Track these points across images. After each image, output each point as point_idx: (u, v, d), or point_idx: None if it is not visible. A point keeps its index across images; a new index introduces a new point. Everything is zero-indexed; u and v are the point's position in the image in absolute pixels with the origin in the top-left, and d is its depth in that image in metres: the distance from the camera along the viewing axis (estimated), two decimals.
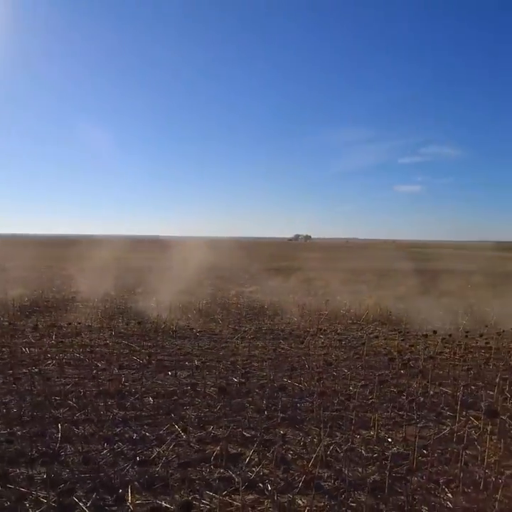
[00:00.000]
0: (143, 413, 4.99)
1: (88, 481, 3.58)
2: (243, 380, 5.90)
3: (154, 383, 5.93)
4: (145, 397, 5.43)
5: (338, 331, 9.36)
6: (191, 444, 4.29)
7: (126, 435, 4.45)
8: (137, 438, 4.39)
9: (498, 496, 3.45)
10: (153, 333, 8.76)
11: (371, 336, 8.92)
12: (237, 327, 9.77)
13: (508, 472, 3.84)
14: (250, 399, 5.42)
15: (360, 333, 9.25)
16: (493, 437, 4.26)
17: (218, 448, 4.15)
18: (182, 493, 3.48)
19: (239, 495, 3.39)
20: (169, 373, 6.39)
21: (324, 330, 9.49)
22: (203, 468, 3.87)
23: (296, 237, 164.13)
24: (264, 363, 6.90)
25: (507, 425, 4.71)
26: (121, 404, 5.19)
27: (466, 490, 3.61)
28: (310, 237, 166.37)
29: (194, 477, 3.73)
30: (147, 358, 6.98)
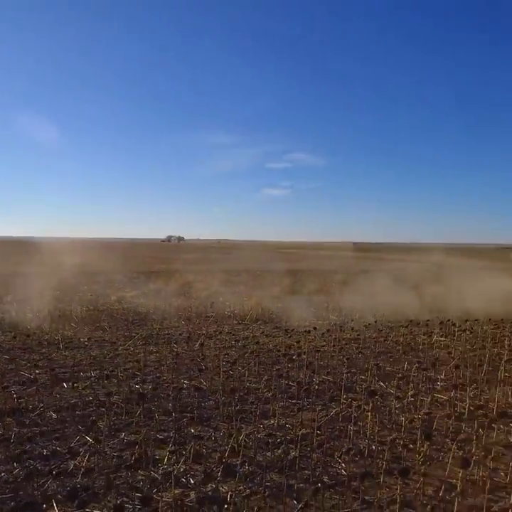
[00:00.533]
0: (48, 428, 4.86)
1: (8, 502, 3.49)
2: (146, 386, 6.04)
3: (53, 397, 5.75)
4: (46, 411, 5.27)
5: (227, 331, 9.87)
6: (107, 452, 4.37)
7: (36, 452, 4.33)
8: (48, 453, 4.31)
9: (378, 461, 4.25)
10: (38, 346, 8.29)
11: (258, 334, 9.60)
12: (126, 333, 9.69)
13: (384, 440, 4.69)
14: (156, 402, 5.61)
15: (247, 333, 9.87)
16: (370, 414, 5.12)
17: (136, 452, 4.31)
18: (109, 498, 3.61)
19: (166, 491, 3.65)
20: (66, 385, 6.22)
21: (214, 331, 9.94)
22: (125, 473, 4.01)
23: (169, 238, 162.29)
24: (163, 367, 7.09)
25: (379, 403, 5.65)
26: (21, 422, 4.98)
27: (354, 459, 4.34)
28: (183, 238, 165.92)
29: (118, 482, 3.86)
30: (36, 371, 6.66)
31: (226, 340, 8.93)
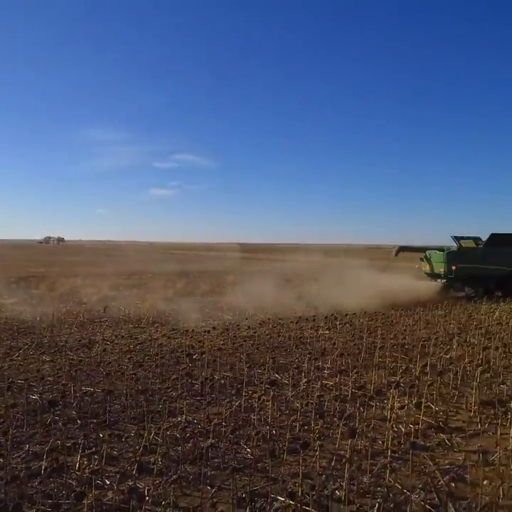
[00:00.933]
0: None
1: None
2: (46, 395, 5.88)
3: None
4: None
5: (125, 335, 9.79)
6: (13, 465, 4.27)
7: None
8: None
9: (280, 443, 4.79)
10: None
11: (157, 337, 9.69)
12: (13, 343, 9.12)
13: (283, 424, 5.24)
14: (59, 411, 5.52)
15: (145, 336, 9.91)
16: (269, 403, 5.65)
17: (44, 461, 4.28)
18: (24, 509, 3.59)
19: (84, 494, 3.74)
20: None
21: (111, 336, 9.79)
22: (36, 483, 3.99)
23: (48, 239, 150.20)
24: (61, 376, 6.90)
25: (276, 392, 6.22)
26: None
27: (257, 443, 4.82)
28: (63, 239, 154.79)
29: (31, 492, 3.84)
30: None
31: (125, 344, 8.90)
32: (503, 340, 9.21)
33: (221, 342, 9.11)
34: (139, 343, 8.89)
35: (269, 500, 3.77)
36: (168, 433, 5.00)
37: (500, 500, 3.82)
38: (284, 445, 4.70)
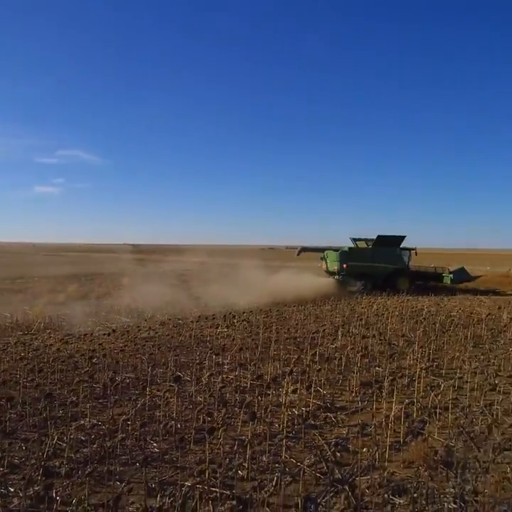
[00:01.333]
0: None
1: None
2: None
3: None
4: None
5: (15, 343, 9.24)
6: None
7: None
8: None
9: (185, 435, 5.06)
10: None
11: (52, 342, 9.30)
12: None
13: (187, 418, 5.52)
14: None
15: (37, 342, 9.44)
16: (173, 399, 5.88)
17: None
18: None
19: None
20: None
21: None
22: None
23: None
24: None
25: (179, 389, 6.47)
26: None
27: (164, 437, 5.05)
28: None
29: None
30: None
31: (17, 352, 8.43)
32: (379, 330, 10.46)
33: (122, 344, 9.05)
34: (34, 350, 8.49)
35: (178, 487, 4.05)
36: (72, 437, 5.00)
37: (376, 463, 4.52)
38: (190, 436, 4.99)
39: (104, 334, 9.18)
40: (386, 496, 3.93)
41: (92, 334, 9.76)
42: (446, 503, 3.80)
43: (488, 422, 5.41)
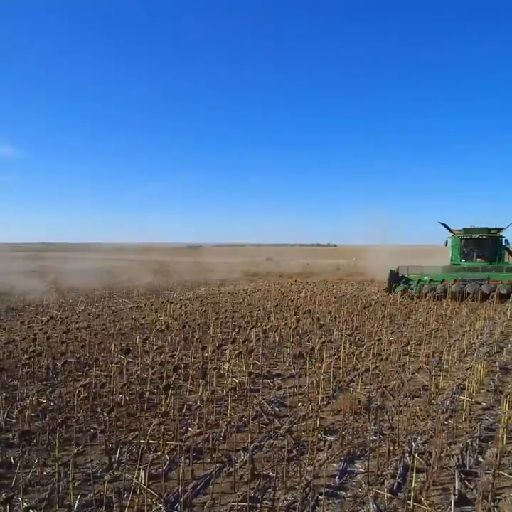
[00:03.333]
0: None
1: None
2: None
3: None
4: None
5: None
6: None
7: None
8: None
9: (133, 406, 5.39)
10: None
11: None
12: None
13: (132, 391, 5.83)
14: None
15: None
16: (119, 375, 6.16)
17: None
18: None
19: None
20: None
21: None
22: None
23: None
24: None
25: (125, 367, 6.73)
26: None
27: (115, 408, 5.34)
28: None
29: None
30: None
31: None
32: (309, 311, 11.31)
33: (60, 331, 9.04)
34: None
35: (135, 444, 4.41)
36: (22, 413, 5.13)
37: (310, 413, 5.17)
38: (138, 406, 5.33)
39: (42, 322, 9.10)
40: (319, 435, 4.59)
41: (29, 322, 9.61)
42: (368, 437, 4.53)
43: (401, 378, 6.31)
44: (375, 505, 3.38)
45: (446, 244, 18.46)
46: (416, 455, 4.03)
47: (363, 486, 3.70)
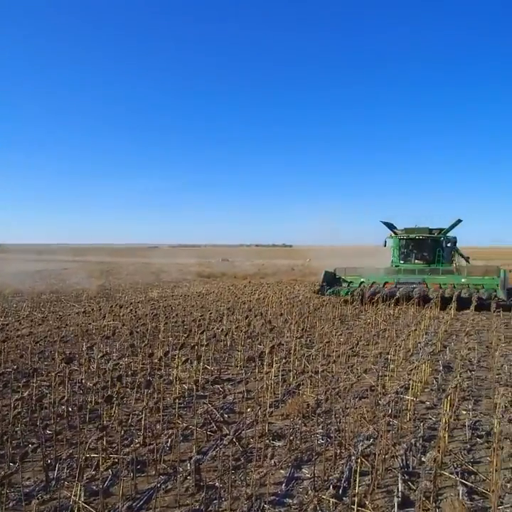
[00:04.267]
0: None
1: None
2: None
3: None
4: None
5: None
6: None
7: None
8: None
9: (79, 416, 5.16)
10: None
11: None
12: None
13: (74, 402, 5.59)
14: None
15: None
16: (60, 388, 5.88)
17: None
18: None
19: None
20: None
21: None
22: None
23: None
24: None
25: (68, 378, 6.44)
26: None
27: (56, 421, 5.09)
28: None
29: None
30: None
31: None
32: (261, 313, 11.30)
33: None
34: None
35: (76, 459, 4.20)
36: None
37: (259, 418, 5.13)
38: (84, 417, 5.10)
39: None
40: (267, 441, 4.55)
41: None
42: (315, 440, 4.55)
43: (350, 380, 6.40)
44: None
45: (385, 245, 17.67)
46: (361, 458, 4.09)
47: (310, 492, 3.70)
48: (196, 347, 7.70)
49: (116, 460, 4.19)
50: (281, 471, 4.01)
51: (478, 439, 4.62)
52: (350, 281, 15.47)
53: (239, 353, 7.59)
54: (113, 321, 10.89)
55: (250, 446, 4.47)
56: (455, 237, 18.79)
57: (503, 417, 4.54)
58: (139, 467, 4.04)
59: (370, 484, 3.74)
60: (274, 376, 6.50)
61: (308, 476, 3.92)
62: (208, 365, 7.12)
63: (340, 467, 4.04)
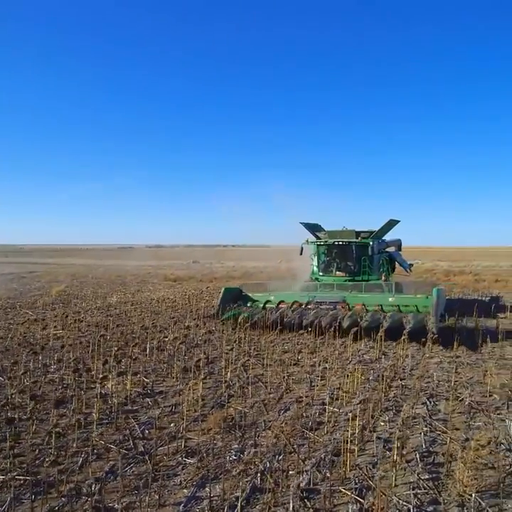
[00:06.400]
0: None
1: None
2: None
3: None
4: None
5: None
6: None
7: None
8: None
9: None
10: None
11: None
12: None
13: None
14: None
15: None
16: None
17: None
18: None
19: None
20: None
21: None
22: None
23: None
24: None
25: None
26: None
27: None
28: None
29: None
30: None
31: None
32: (201, 318, 11.29)
33: None
34: None
35: None
36: None
37: (179, 434, 5.13)
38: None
39: None
40: (180, 458, 4.57)
41: None
42: (228, 457, 4.58)
43: (281, 390, 6.48)
44: None
45: (302, 253, 14.11)
46: (269, 474, 4.15)
47: None
48: (136, 358, 7.67)
49: (23, 481, 4.15)
50: (185, 490, 4.03)
51: (387, 452, 4.73)
52: (256, 300, 12.18)
53: (178, 363, 7.58)
54: (62, 329, 10.74)
55: (161, 464, 4.48)
56: (399, 240, 16.44)
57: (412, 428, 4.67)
58: (41, 489, 4.00)
59: (268, 502, 3.79)
60: (208, 387, 6.53)
61: (210, 495, 3.95)
62: (146, 377, 7.10)
63: (244, 485, 4.08)
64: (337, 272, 13.41)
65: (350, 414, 5.80)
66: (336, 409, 5.70)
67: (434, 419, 5.52)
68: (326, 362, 7.97)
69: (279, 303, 11.58)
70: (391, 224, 14.05)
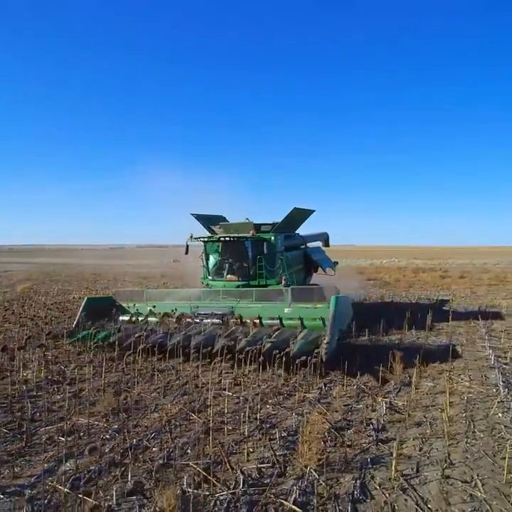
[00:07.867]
0: None
1: None
2: None
3: None
4: None
5: None
6: None
7: None
8: None
9: None
10: None
11: None
12: None
13: None
14: None
15: None
16: None
17: None
18: None
19: None
20: None
21: None
22: None
23: None
24: None
25: None
26: None
27: None
28: None
29: None
30: None
31: None
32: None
33: None
34: None
35: None
36: None
37: (68, 415, 5.32)
38: None
39: None
40: (56, 437, 4.78)
41: None
42: (105, 435, 4.81)
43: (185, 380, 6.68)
44: None
45: (187, 252, 11.44)
46: (130, 451, 4.37)
47: None
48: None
49: None
50: (45, 465, 4.20)
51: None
52: (137, 312, 9.49)
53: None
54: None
55: (36, 442, 4.67)
56: (325, 234, 13.90)
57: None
58: None
59: (116, 476, 4.00)
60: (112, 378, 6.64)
61: (65, 470, 4.14)
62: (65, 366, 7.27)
63: (105, 460, 4.27)
64: (228, 276, 10.59)
65: None
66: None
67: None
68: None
69: (163, 316, 8.94)
70: (300, 214, 11.68)
